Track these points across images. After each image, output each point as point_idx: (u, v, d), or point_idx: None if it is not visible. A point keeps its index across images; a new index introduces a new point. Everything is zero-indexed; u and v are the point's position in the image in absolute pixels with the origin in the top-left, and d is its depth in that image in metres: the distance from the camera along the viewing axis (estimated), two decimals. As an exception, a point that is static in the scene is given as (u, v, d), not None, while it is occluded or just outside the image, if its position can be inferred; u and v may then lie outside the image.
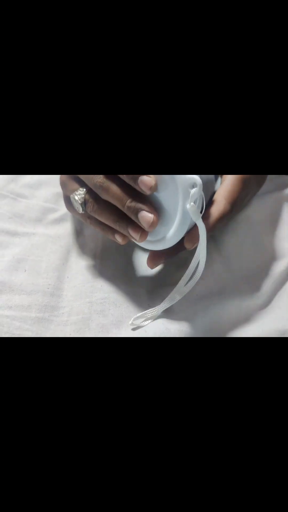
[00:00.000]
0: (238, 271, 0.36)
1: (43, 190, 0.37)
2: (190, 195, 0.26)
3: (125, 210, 0.28)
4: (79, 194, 0.30)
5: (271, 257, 0.39)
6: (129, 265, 0.35)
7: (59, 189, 0.38)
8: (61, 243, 0.34)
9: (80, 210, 0.30)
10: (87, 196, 0.30)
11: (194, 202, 0.26)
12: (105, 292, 0.32)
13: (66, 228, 0.35)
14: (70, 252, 0.34)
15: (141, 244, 0.30)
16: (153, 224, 0.27)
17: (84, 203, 0.30)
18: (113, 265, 0.34)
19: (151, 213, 0.27)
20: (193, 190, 0.26)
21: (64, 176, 0.31)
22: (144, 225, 0.28)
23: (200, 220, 0.27)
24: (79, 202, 0.30)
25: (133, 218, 0.28)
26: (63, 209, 0.36)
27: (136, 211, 0.28)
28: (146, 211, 0.27)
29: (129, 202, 0.28)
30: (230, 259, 0.37)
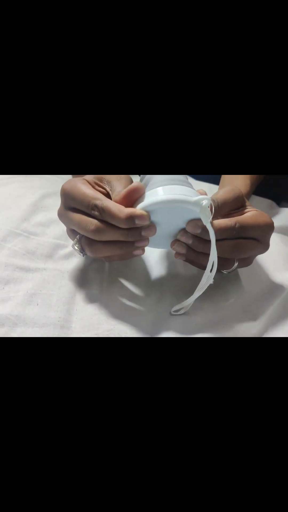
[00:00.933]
0: (236, 302, 0.38)
1: (53, 228, 0.40)
2: (203, 204, 0.30)
3: (128, 239, 0.31)
4: (75, 244, 0.33)
5: (267, 288, 0.41)
6: (134, 297, 0.37)
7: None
8: (70, 277, 0.36)
9: (82, 256, 0.33)
10: (82, 242, 0.33)
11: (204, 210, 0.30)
12: (110, 324, 0.34)
13: (75, 263, 0.38)
14: (78, 285, 0.36)
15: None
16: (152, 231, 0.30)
17: (82, 249, 0.33)
18: (118, 297, 0.36)
19: (151, 229, 0.30)
20: (204, 201, 0.30)
21: (59, 212, 0.34)
22: (147, 236, 0.30)
23: (209, 224, 0.31)
24: (78, 250, 0.33)
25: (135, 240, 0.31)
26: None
27: (137, 237, 0.30)
28: (144, 232, 0.30)
29: (129, 236, 0.30)
30: (228, 290, 0.39)
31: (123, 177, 0.33)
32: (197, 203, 0.29)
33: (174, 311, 0.36)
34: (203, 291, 0.34)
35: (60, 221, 0.40)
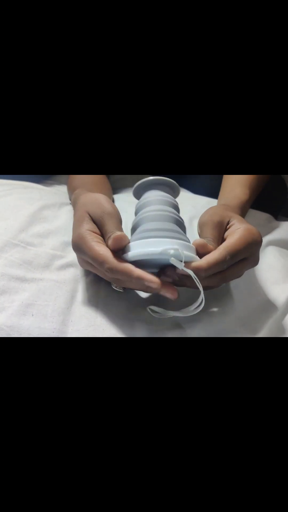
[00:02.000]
0: (233, 315, 0.38)
1: (51, 239, 0.40)
2: (170, 253, 0.31)
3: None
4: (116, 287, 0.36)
5: (264, 301, 0.41)
6: (129, 310, 0.37)
7: (66, 238, 0.41)
8: (66, 288, 0.36)
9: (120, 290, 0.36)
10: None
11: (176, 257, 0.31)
12: (106, 336, 0.34)
13: (71, 274, 0.37)
14: (74, 297, 0.36)
15: None
16: (175, 293, 0.31)
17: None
18: (114, 309, 0.36)
19: (173, 288, 0.31)
20: (171, 251, 0.31)
21: (74, 245, 0.34)
22: (169, 296, 0.31)
23: (184, 268, 0.31)
24: (117, 289, 0.36)
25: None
26: (69, 256, 0.39)
27: (155, 290, 0.31)
28: (164, 287, 0.31)
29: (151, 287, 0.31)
30: (226, 304, 0.39)
31: (113, 215, 0.34)
32: (165, 253, 0.31)
33: (151, 309, 0.35)
34: (188, 315, 0.34)
35: (58, 233, 0.40)
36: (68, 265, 0.38)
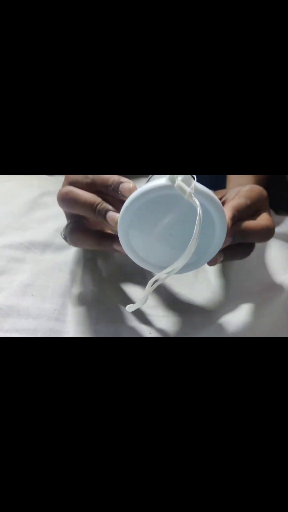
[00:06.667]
0: (235, 302, 0.38)
1: (51, 223, 0.39)
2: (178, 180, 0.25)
3: (95, 215, 0.28)
4: (63, 230, 0.33)
5: (266, 290, 0.40)
6: (130, 293, 0.36)
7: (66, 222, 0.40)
8: (67, 269, 0.35)
9: (67, 243, 0.33)
10: (67, 230, 0.32)
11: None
12: (106, 320, 0.33)
13: (72, 255, 0.37)
14: (75, 278, 0.35)
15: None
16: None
17: (66, 238, 0.33)
18: (114, 292, 0.35)
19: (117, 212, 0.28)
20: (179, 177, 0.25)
21: (60, 195, 0.31)
22: (111, 223, 0.28)
23: (192, 197, 0.25)
24: (62, 237, 0.33)
25: (103, 222, 0.28)
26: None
27: (105, 212, 0.28)
28: (113, 211, 0.28)
29: (99, 206, 0.28)
30: (224, 294, 0.38)
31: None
32: (171, 181, 0.25)
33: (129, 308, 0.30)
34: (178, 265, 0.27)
35: (58, 218, 0.39)
36: (69, 246, 0.37)
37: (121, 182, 0.28)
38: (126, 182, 0.28)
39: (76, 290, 0.35)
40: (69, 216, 0.33)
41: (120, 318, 0.34)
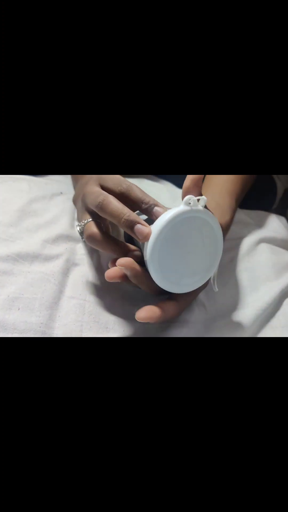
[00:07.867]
0: (222, 308, 0.38)
1: (40, 233, 0.39)
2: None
3: (121, 225, 0.31)
4: (80, 223, 0.35)
5: (255, 298, 0.41)
6: (117, 305, 0.36)
7: (57, 231, 0.40)
8: (55, 281, 0.35)
9: (82, 239, 0.35)
10: (84, 226, 0.34)
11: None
12: (94, 332, 0.33)
13: (60, 266, 0.37)
14: (63, 290, 0.35)
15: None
16: (146, 237, 0.30)
17: (82, 233, 0.35)
18: (102, 304, 0.36)
19: (145, 226, 0.30)
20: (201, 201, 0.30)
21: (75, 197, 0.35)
22: (139, 237, 0.30)
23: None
24: (78, 231, 0.36)
25: (128, 232, 0.31)
26: (58, 248, 0.38)
27: (132, 224, 0.30)
28: (142, 224, 0.30)
29: (126, 217, 0.31)
30: (216, 301, 0.39)
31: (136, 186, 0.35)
32: (187, 201, 0.29)
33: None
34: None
35: (47, 227, 0.39)
36: (58, 256, 0.37)
37: (156, 205, 0.32)
38: (160, 208, 0.32)
39: (63, 302, 0.35)
40: (90, 212, 0.35)
41: (107, 330, 0.34)
